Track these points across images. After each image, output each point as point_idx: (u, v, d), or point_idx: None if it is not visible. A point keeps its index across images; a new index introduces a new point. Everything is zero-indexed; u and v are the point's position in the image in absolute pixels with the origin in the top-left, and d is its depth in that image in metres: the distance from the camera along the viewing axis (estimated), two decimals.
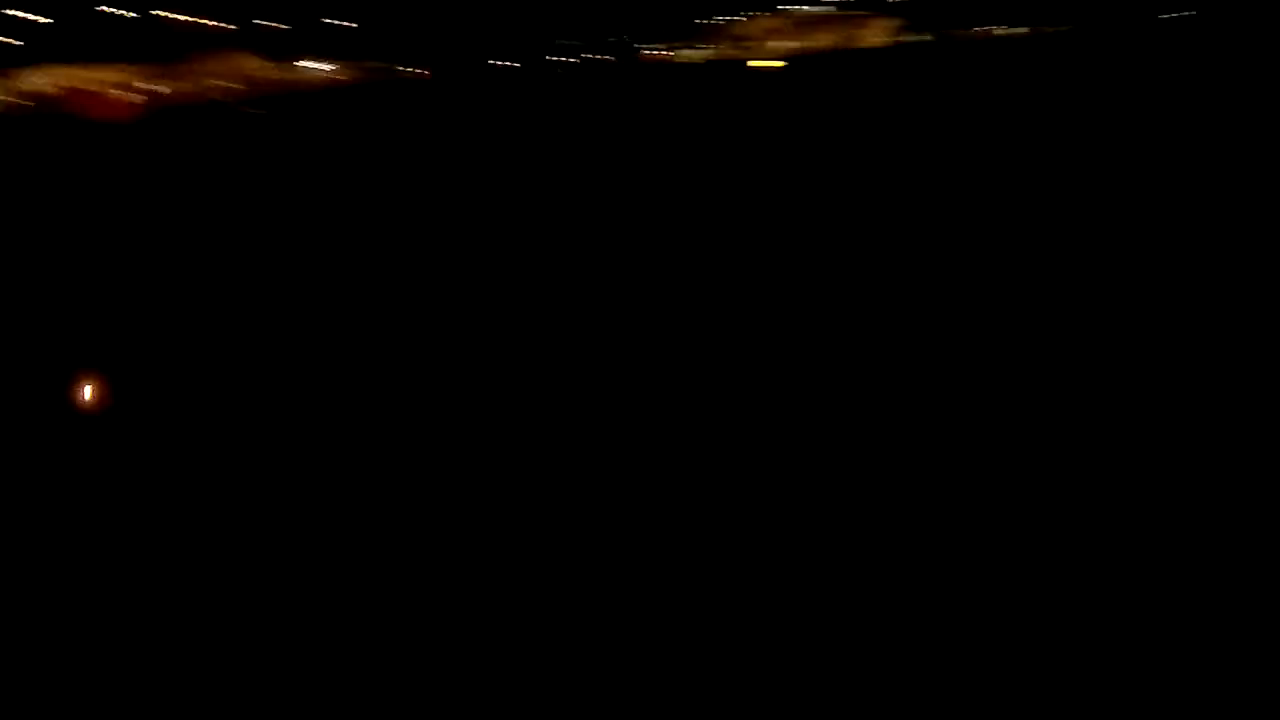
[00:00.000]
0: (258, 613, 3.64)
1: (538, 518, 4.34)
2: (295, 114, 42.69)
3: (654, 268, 8.95)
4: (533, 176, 16.23)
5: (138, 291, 9.80)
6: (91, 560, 4.23)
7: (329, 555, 4.01)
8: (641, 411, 5.13)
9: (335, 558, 3.99)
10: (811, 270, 8.30)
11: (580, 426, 4.99)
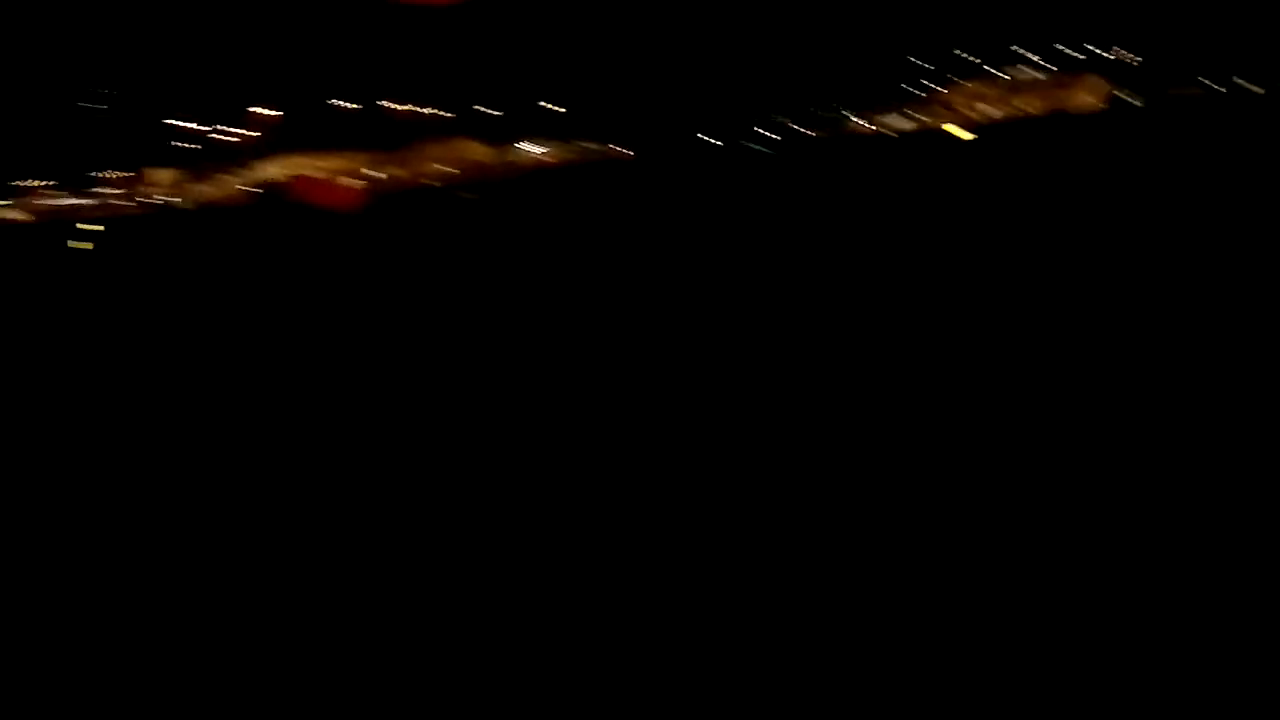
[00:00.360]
0: (258, 613, 3.75)
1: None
2: (510, 197, 44.04)
3: (855, 344, 8.93)
4: (741, 253, 16.31)
5: (365, 376, 10.27)
6: (93, 560, 4.41)
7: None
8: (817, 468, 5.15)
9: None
10: (1013, 344, 8.14)
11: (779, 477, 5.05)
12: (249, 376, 10.54)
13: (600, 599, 3.72)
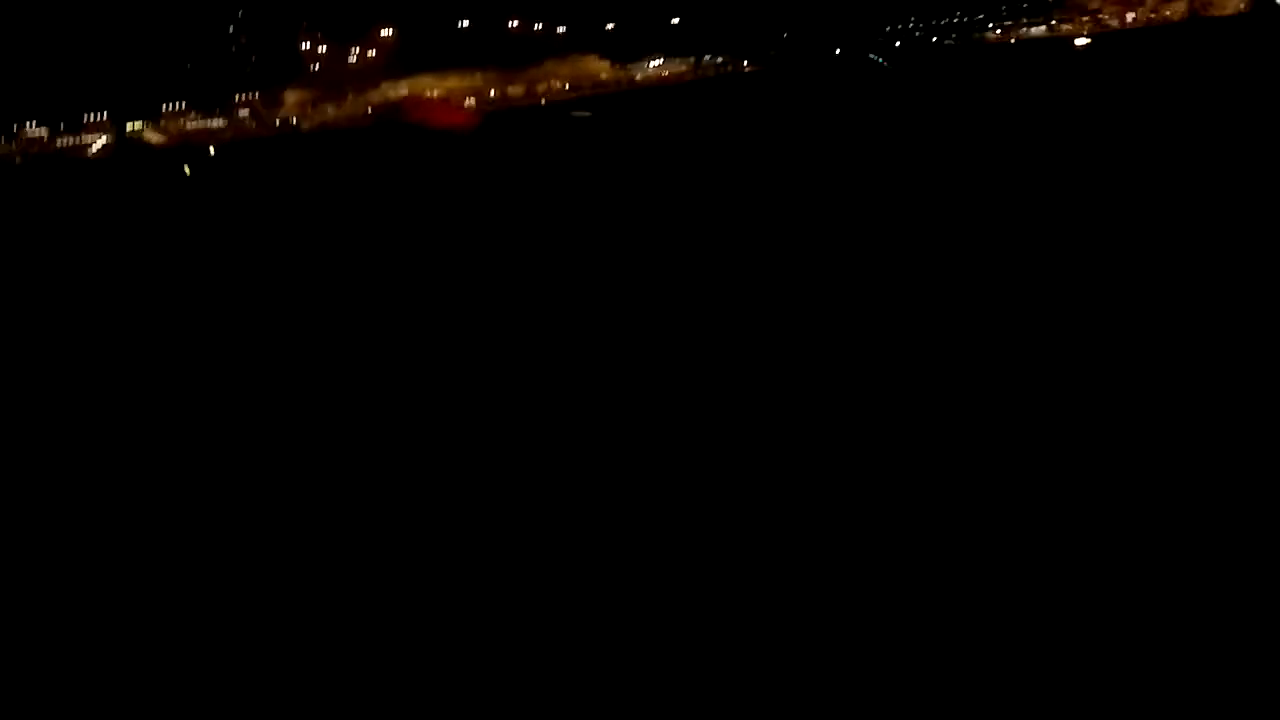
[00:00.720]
0: (258, 613, 3.71)
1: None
2: (630, 112, 43.81)
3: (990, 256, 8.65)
4: (871, 167, 15.87)
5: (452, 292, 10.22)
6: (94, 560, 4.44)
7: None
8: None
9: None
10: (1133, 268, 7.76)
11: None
12: (349, 299, 10.59)
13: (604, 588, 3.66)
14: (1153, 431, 4.56)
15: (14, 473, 6.25)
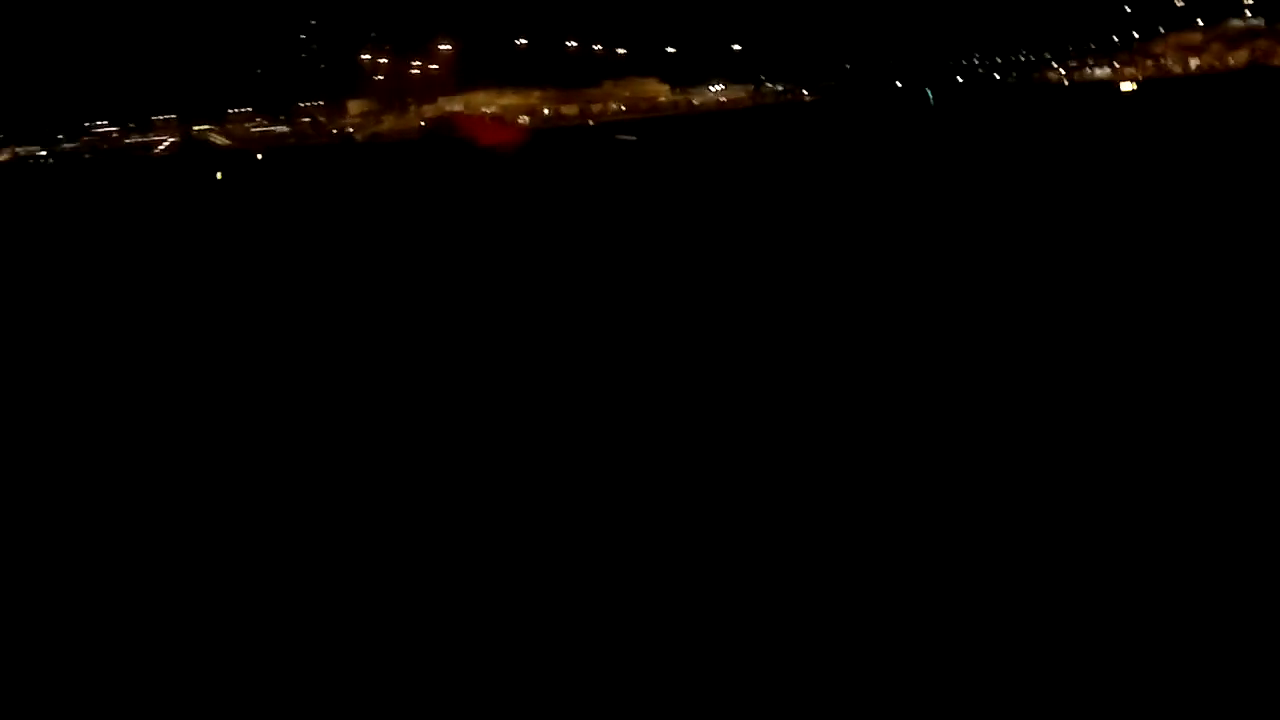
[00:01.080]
0: (257, 613, 3.76)
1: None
2: (681, 136, 43.81)
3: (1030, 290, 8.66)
4: (920, 200, 15.80)
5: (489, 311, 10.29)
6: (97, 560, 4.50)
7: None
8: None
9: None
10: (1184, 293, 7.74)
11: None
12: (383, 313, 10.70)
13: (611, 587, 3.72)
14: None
15: (46, 451, 6.40)
